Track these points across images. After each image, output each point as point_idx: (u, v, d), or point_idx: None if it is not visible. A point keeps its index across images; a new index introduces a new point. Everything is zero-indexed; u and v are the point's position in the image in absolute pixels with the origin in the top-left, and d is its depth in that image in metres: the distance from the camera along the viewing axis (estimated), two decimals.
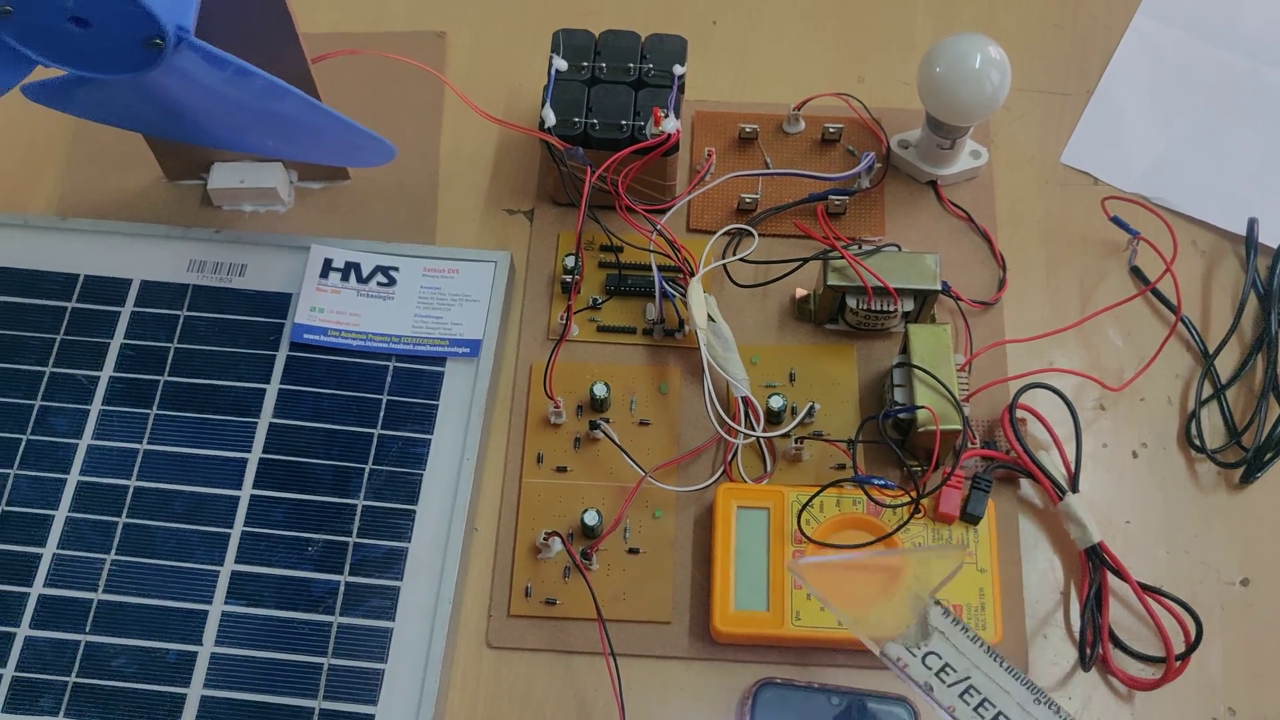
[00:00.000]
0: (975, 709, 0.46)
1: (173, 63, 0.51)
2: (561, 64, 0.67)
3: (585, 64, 0.67)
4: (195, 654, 0.59)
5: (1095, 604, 0.59)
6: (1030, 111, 0.75)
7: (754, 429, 0.63)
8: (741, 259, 0.67)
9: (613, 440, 0.63)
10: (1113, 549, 0.60)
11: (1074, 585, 0.62)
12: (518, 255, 0.70)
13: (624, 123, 0.65)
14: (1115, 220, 0.69)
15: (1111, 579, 0.60)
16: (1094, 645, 0.59)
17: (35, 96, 0.59)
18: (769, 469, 0.63)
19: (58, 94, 0.59)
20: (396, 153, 0.61)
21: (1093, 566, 0.60)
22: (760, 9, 0.80)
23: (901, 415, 0.61)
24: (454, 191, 0.73)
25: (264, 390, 0.65)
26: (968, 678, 0.47)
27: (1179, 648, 0.58)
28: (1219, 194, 0.72)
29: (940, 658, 0.47)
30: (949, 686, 0.47)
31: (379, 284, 0.67)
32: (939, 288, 0.63)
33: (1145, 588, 0.59)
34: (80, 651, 0.59)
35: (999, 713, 0.47)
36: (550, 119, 0.65)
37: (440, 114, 0.75)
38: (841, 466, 0.63)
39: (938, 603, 0.51)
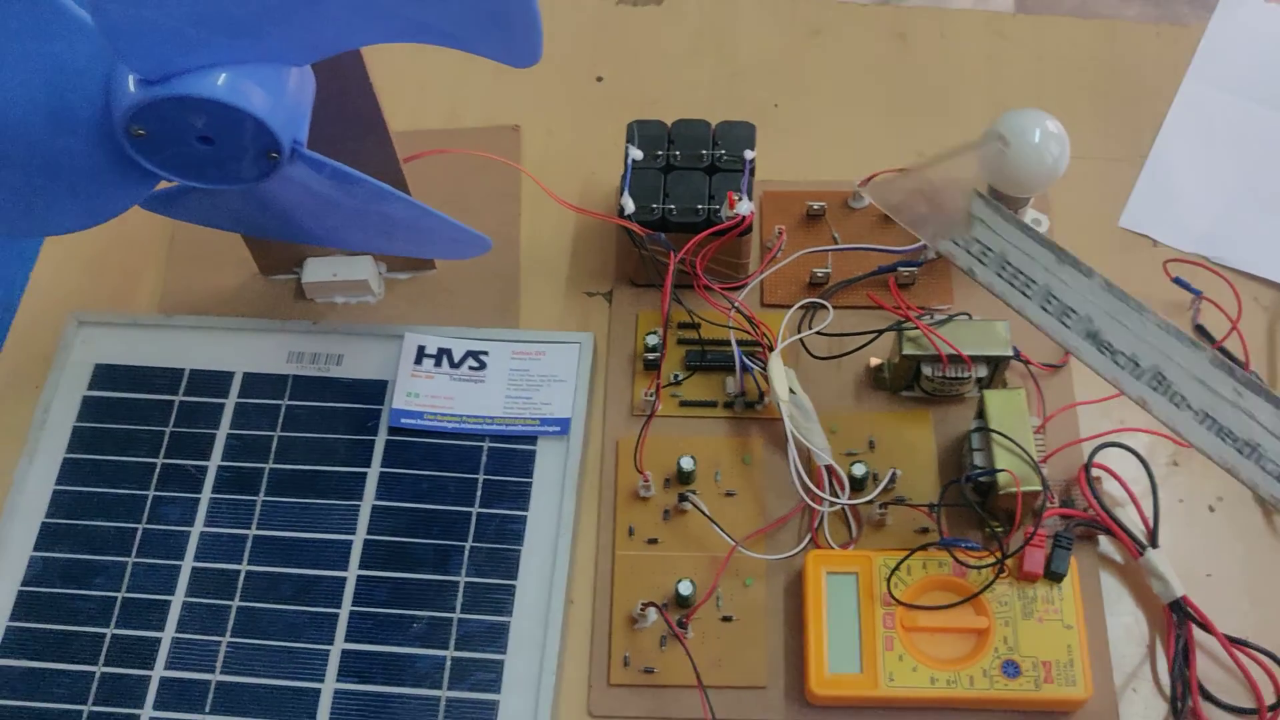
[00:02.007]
0: (1009, 281, 0.51)
1: (285, 172, 0.55)
2: (637, 153, 0.71)
3: (660, 152, 0.71)
4: None
5: (1183, 657, 0.61)
6: (1087, 177, 0.78)
7: (839, 496, 0.65)
8: (818, 332, 0.70)
9: (702, 512, 0.65)
10: (1195, 602, 0.61)
11: (1159, 639, 0.63)
12: (598, 335, 0.73)
13: (699, 207, 0.68)
14: (1177, 281, 0.71)
15: (1197, 631, 0.61)
16: (1184, 698, 0.60)
17: (147, 205, 0.63)
18: (854, 534, 0.65)
19: (168, 202, 0.63)
20: (491, 245, 0.65)
21: (1178, 620, 0.61)
22: (818, 90, 0.83)
23: (982, 478, 0.63)
24: (535, 276, 0.76)
25: (365, 474, 0.68)
26: (1004, 254, 0.50)
27: (1270, 698, 0.59)
28: (1278, 251, 0.74)
29: (982, 243, 0.51)
30: (988, 267, 0.51)
31: (470, 368, 0.70)
32: (1011, 353, 0.65)
33: (1232, 640, 0.60)
34: None
35: (1030, 279, 0.50)
36: (630, 206, 0.68)
37: (518, 202, 0.79)
38: (924, 529, 0.65)
39: (977, 194, 0.53)
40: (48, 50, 0.51)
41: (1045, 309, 0.50)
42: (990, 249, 0.51)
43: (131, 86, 0.50)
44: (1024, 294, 0.51)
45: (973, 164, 0.53)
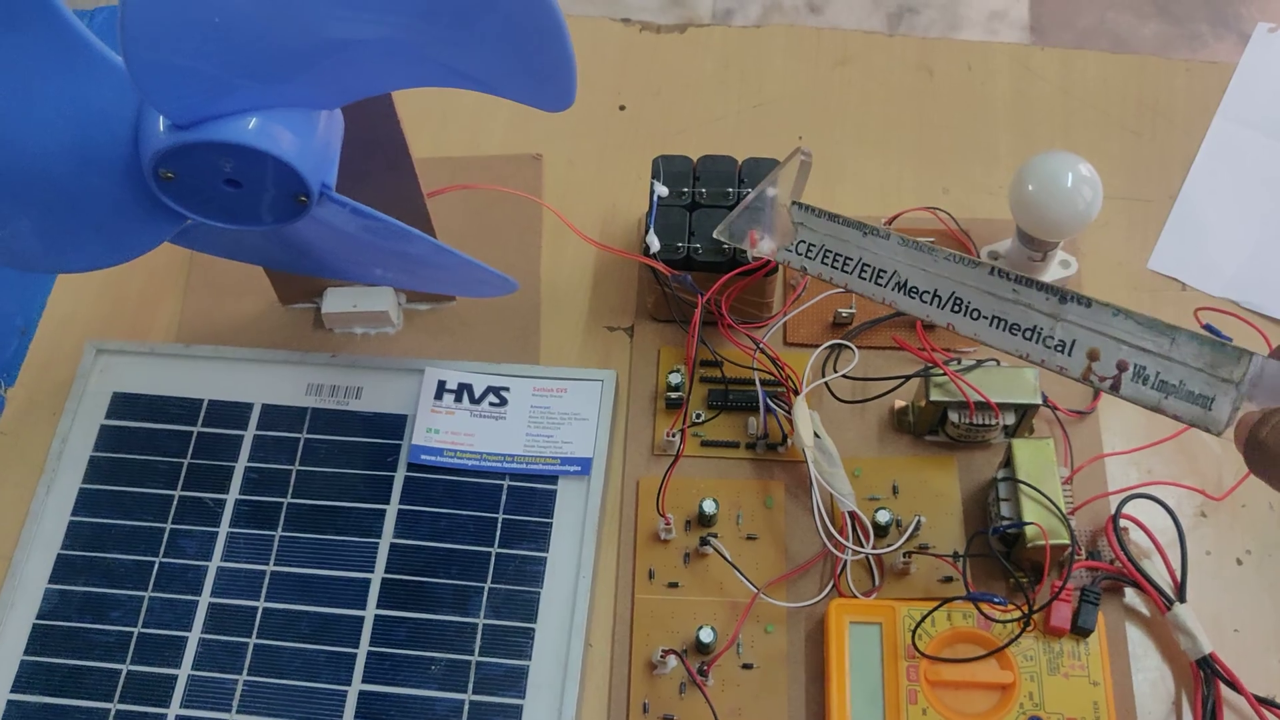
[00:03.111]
0: (832, 265, 0.58)
1: (312, 214, 0.54)
2: (663, 190, 0.70)
3: (685, 189, 0.70)
4: None
5: (1211, 717, 0.60)
6: (1115, 219, 0.77)
7: (863, 544, 0.64)
8: (844, 375, 0.69)
9: (724, 557, 0.65)
10: (1223, 658, 0.61)
11: (1186, 695, 0.62)
12: (619, 371, 0.72)
13: (725, 246, 0.68)
14: (1208, 328, 0.70)
15: (1225, 689, 0.60)
16: None
17: (172, 239, 0.62)
18: (877, 583, 0.65)
19: (193, 237, 0.62)
20: (518, 286, 0.64)
21: (1205, 677, 0.61)
22: (842, 125, 0.82)
23: (1010, 530, 0.62)
24: (555, 308, 0.76)
25: (384, 511, 0.67)
26: (823, 245, 0.59)
27: None
28: None
29: (805, 242, 0.59)
30: (815, 260, 0.59)
31: (491, 404, 0.70)
32: (1039, 401, 0.65)
33: (1260, 700, 0.60)
34: None
35: (846, 258, 0.58)
36: (655, 244, 0.68)
37: (540, 235, 0.78)
38: (949, 579, 0.65)
39: (794, 203, 0.60)
40: (77, 91, 0.50)
41: (863, 278, 0.57)
42: (813, 245, 0.59)
43: (161, 130, 0.50)
44: (845, 271, 0.58)
45: (788, 181, 0.61)
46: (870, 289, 0.57)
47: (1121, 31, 0.96)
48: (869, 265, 0.57)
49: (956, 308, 0.55)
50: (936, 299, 0.56)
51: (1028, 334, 0.53)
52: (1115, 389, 0.51)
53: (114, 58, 0.49)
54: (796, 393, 0.67)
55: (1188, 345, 0.50)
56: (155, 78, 0.47)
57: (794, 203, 0.60)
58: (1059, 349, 0.52)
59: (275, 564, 0.66)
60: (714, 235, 0.64)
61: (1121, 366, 0.51)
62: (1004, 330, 0.54)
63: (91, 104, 0.50)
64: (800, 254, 0.59)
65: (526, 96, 0.53)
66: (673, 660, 0.63)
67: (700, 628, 0.62)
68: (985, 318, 0.54)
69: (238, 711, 0.62)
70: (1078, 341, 0.52)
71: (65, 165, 0.52)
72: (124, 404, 0.71)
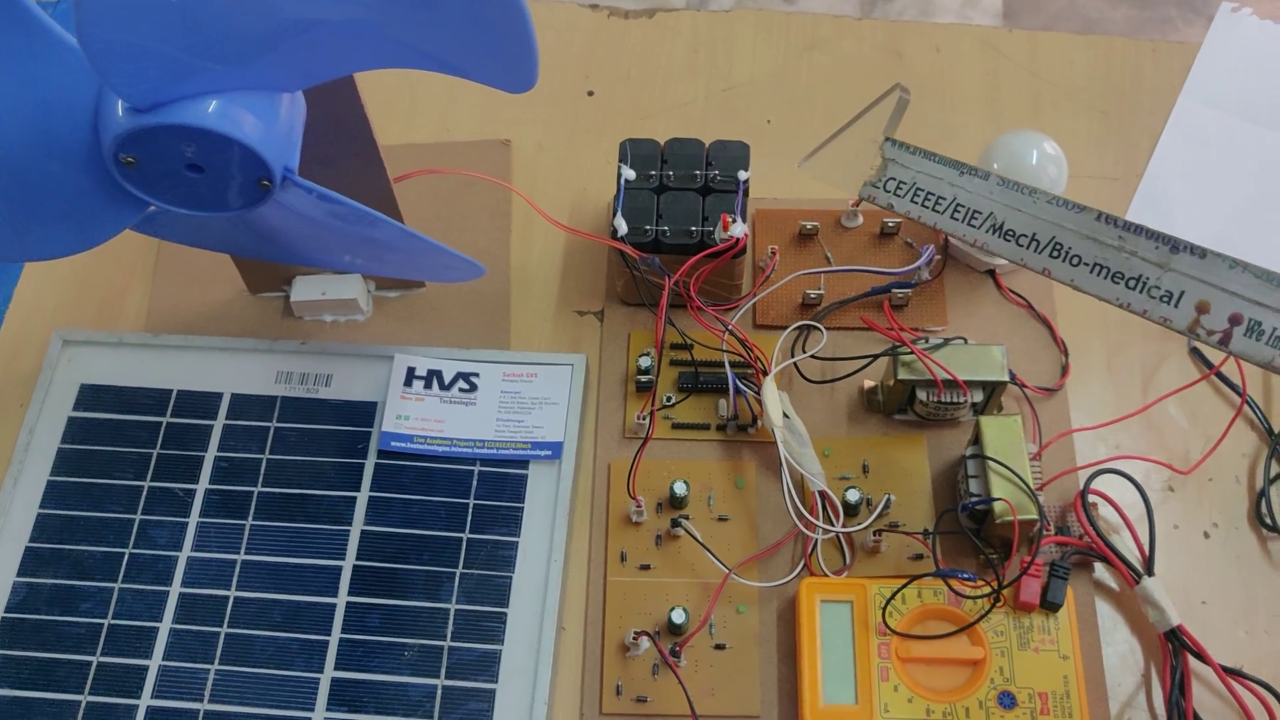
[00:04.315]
0: (922, 205, 0.58)
1: (276, 199, 0.54)
2: (630, 173, 0.70)
3: (653, 172, 0.70)
4: None
5: (1179, 688, 0.61)
6: (1083, 197, 0.76)
7: (833, 524, 0.64)
8: (812, 356, 0.69)
9: (696, 539, 0.65)
10: (1191, 630, 0.61)
11: (1155, 668, 0.63)
12: (590, 355, 0.72)
13: (693, 228, 0.68)
14: None
15: (1193, 661, 0.61)
16: None
17: (137, 227, 0.62)
18: (848, 561, 0.65)
19: (158, 224, 0.62)
20: (485, 271, 0.64)
21: (1173, 649, 0.61)
22: (811, 107, 0.83)
23: (978, 507, 0.62)
24: (525, 293, 0.75)
25: (354, 498, 0.67)
26: (914, 183, 0.58)
27: None
28: None
29: (895, 179, 0.59)
30: (904, 198, 0.59)
31: (461, 390, 0.70)
32: (1007, 379, 0.65)
33: (1227, 670, 0.60)
34: None
35: (939, 197, 0.58)
36: (622, 228, 0.68)
37: (509, 220, 0.78)
38: (919, 556, 0.65)
39: (886, 139, 0.61)
40: (34, 75, 0.50)
41: (955, 218, 0.57)
42: (903, 182, 0.59)
43: (120, 114, 0.49)
44: (936, 211, 0.58)
45: (880, 118, 0.61)
46: (963, 229, 0.56)
47: (1092, 15, 0.97)
48: (963, 205, 0.56)
49: (1055, 252, 0.54)
50: (1034, 243, 0.54)
51: (1131, 283, 0.52)
52: (1225, 343, 0.50)
53: (71, 40, 0.49)
54: (766, 374, 0.67)
55: None
56: (112, 59, 0.46)
57: (887, 139, 0.60)
58: (1164, 299, 0.51)
59: (246, 553, 0.66)
60: (798, 165, 0.62)
61: (1235, 320, 0.49)
62: (1104, 278, 0.53)
63: (50, 88, 0.50)
64: (889, 191, 0.58)
65: (489, 77, 0.52)
66: (645, 642, 0.63)
67: (672, 609, 0.63)
68: (1085, 264, 0.53)
69: (210, 701, 0.62)
70: (1186, 293, 0.51)
71: (25, 152, 0.52)
72: (92, 395, 0.70)
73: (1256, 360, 0.49)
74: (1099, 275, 0.53)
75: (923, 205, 0.58)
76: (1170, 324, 0.51)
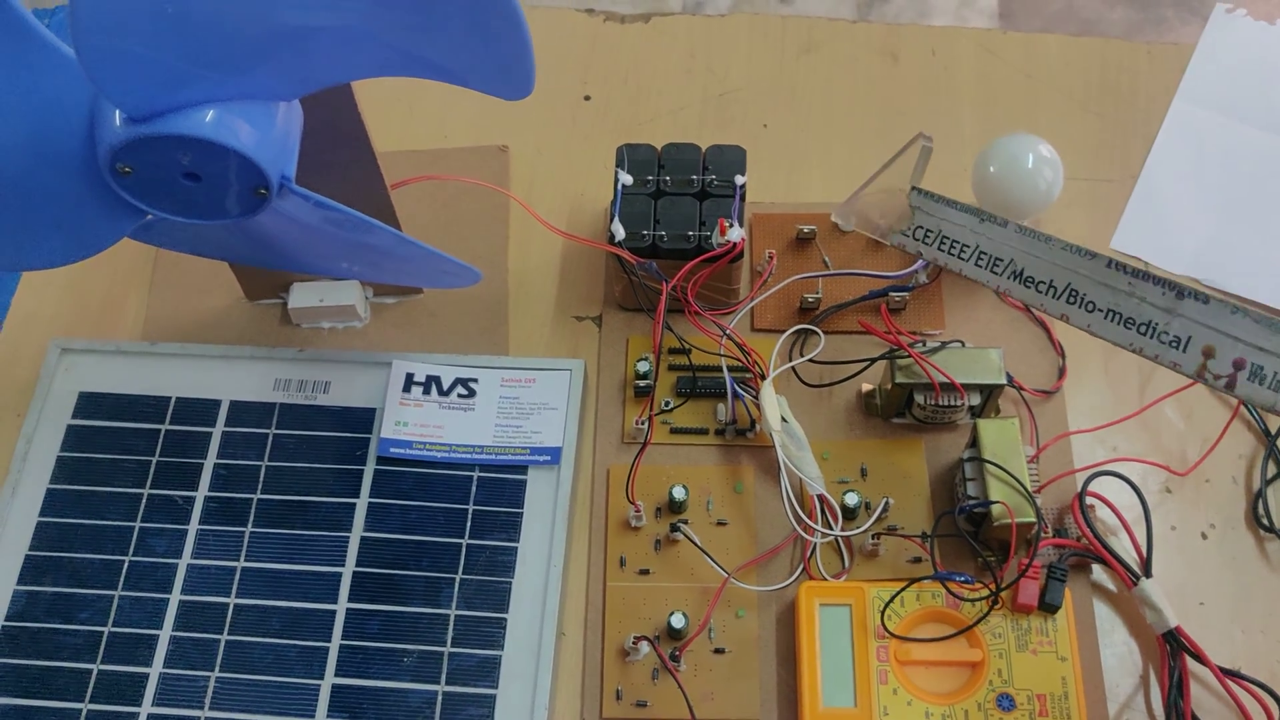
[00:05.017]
0: (948, 252, 0.60)
1: (274, 207, 0.54)
2: (627, 179, 0.70)
3: (650, 177, 0.70)
4: None
5: (1177, 689, 0.61)
6: (1079, 199, 0.77)
7: (831, 527, 0.65)
8: (810, 360, 0.69)
9: (695, 543, 0.65)
10: (1189, 631, 0.61)
11: (1153, 669, 0.63)
12: (588, 360, 0.72)
13: (690, 233, 0.68)
14: None
15: (1191, 662, 0.61)
16: None
17: (134, 235, 0.62)
18: (847, 565, 0.65)
19: (155, 233, 0.62)
20: (481, 277, 0.64)
21: (1171, 651, 0.61)
22: (808, 110, 0.83)
23: (976, 509, 0.62)
24: (523, 299, 0.76)
25: (354, 505, 0.67)
26: (940, 231, 0.60)
27: None
28: (1269, 273, 0.74)
29: (922, 228, 0.61)
30: (931, 246, 0.61)
31: (459, 396, 0.70)
32: (1004, 381, 0.65)
33: (1225, 671, 0.60)
34: None
35: (963, 244, 0.60)
36: (620, 233, 0.68)
37: (506, 225, 0.78)
38: (917, 559, 0.65)
39: (913, 188, 0.62)
40: (30, 84, 0.50)
41: (979, 265, 0.59)
42: (930, 230, 0.60)
43: (117, 123, 0.49)
44: (961, 259, 0.60)
45: (907, 166, 0.62)
46: (986, 276, 0.58)
47: (1089, 16, 0.96)
48: (985, 253, 0.58)
49: (1072, 299, 0.55)
50: (1052, 289, 0.56)
51: (1142, 328, 0.53)
52: (1230, 388, 0.50)
53: (67, 50, 0.49)
54: (763, 378, 0.67)
55: None
56: (108, 68, 0.47)
57: (913, 188, 0.61)
58: (1173, 345, 0.52)
59: (246, 560, 0.66)
60: (831, 219, 0.65)
61: (1238, 365, 0.50)
62: (1118, 323, 0.54)
63: (46, 98, 0.50)
64: (917, 239, 0.60)
65: (486, 85, 0.53)
66: (645, 647, 0.63)
67: (672, 614, 0.63)
68: (1100, 310, 0.54)
69: (210, 708, 0.62)
70: (1193, 338, 0.51)
71: (20, 161, 0.52)
72: (90, 403, 0.71)
73: (1261, 404, 0.50)
74: (1113, 321, 0.54)
75: (949, 253, 0.59)
76: (1181, 369, 0.52)
